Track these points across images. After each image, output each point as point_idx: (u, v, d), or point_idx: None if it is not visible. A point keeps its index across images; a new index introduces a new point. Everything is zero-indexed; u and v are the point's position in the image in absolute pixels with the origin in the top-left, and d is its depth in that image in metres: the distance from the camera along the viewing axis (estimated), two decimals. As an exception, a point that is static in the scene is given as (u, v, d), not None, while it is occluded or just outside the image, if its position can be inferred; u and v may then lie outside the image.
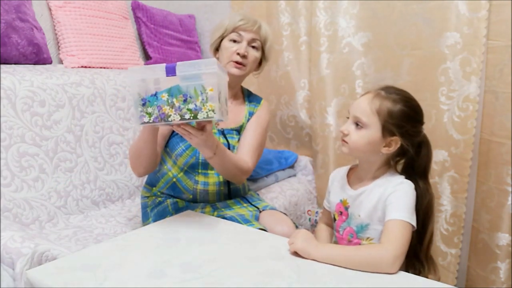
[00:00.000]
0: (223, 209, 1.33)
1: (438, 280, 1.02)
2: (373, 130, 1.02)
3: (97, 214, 1.54)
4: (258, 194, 1.57)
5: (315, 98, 1.93)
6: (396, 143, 1.03)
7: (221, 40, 1.39)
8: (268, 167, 1.94)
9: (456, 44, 1.52)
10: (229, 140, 1.38)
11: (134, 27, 2.15)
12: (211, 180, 1.35)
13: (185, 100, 0.96)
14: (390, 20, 1.67)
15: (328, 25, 1.83)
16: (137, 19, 2.14)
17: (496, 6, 1.44)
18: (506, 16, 1.42)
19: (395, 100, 1.02)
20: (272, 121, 2.13)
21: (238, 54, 1.34)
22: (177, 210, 1.31)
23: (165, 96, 0.98)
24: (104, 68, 1.83)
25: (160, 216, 1.31)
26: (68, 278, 0.83)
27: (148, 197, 1.42)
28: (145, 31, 2.14)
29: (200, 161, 1.33)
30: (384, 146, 1.03)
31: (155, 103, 0.98)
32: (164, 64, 0.98)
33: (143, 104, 1.00)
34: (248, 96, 1.48)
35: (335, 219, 1.16)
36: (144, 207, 1.41)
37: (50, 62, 1.69)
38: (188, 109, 0.97)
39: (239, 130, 1.41)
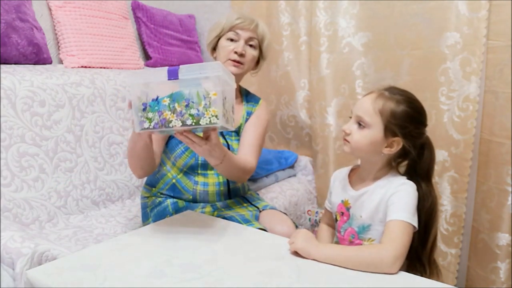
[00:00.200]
0: (223, 209, 1.33)
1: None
2: (375, 130, 1.02)
3: (97, 214, 1.54)
4: (258, 194, 1.56)
5: (315, 98, 1.93)
6: (398, 144, 1.03)
7: (218, 39, 1.38)
8: (268, 167, 1.94)
9: (456, 44, 1.52)
10: (228, 141, 1.38)
11: (134, 27, 2.14)
12: (210, 181, 1.35)
13: (187, 105, 0.91)
14: (390, 20, 1.67)
15: (328, 25, 1.83)
16: (137, 19, 2.14)
17: (496, 6, 1.44)
18: (506, 16, 1.42)
19: (398, 100, 1.02)
20: (272, 121, 2.13)
21: (235, 52, 1.33)
22: (177, 210, 1.31)
23: (166, 101, 0.92)
24: (104, 68, 1.82)
25: (160, 216, 1.31)
26: (68, 278, 0.83)
27: (148, 197, 1.42)
28: (145, 31, 2.14)
29: (199, 162, 1.33)
30: (386, 147, 1.03)
31: (156, 108, 0.93)
32: (166, 68, 0.93)
33: (144, 109, 0.94)
34: (246, 96, 1.47)
35: (336, 220, 1.15)
36: (144, 207, 1.41)
37: (50, 62, 1.69)
38: (190, 115, 0.91)
39: (237, 131, 1.41)
